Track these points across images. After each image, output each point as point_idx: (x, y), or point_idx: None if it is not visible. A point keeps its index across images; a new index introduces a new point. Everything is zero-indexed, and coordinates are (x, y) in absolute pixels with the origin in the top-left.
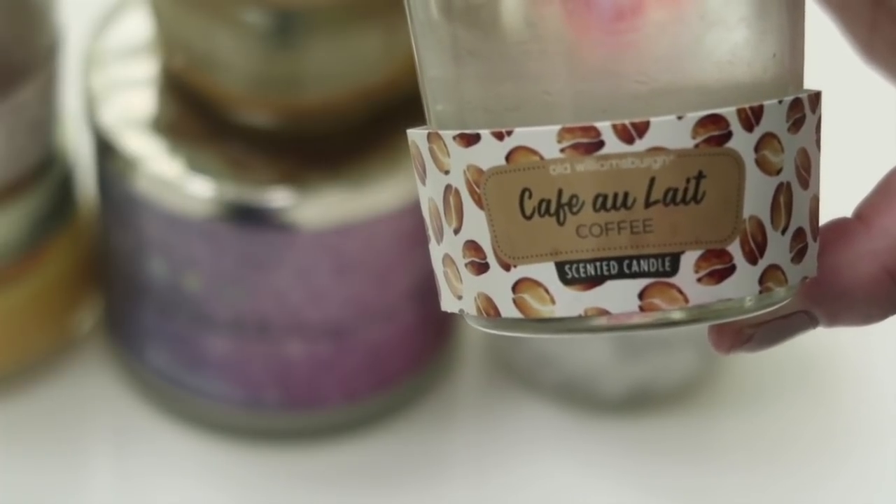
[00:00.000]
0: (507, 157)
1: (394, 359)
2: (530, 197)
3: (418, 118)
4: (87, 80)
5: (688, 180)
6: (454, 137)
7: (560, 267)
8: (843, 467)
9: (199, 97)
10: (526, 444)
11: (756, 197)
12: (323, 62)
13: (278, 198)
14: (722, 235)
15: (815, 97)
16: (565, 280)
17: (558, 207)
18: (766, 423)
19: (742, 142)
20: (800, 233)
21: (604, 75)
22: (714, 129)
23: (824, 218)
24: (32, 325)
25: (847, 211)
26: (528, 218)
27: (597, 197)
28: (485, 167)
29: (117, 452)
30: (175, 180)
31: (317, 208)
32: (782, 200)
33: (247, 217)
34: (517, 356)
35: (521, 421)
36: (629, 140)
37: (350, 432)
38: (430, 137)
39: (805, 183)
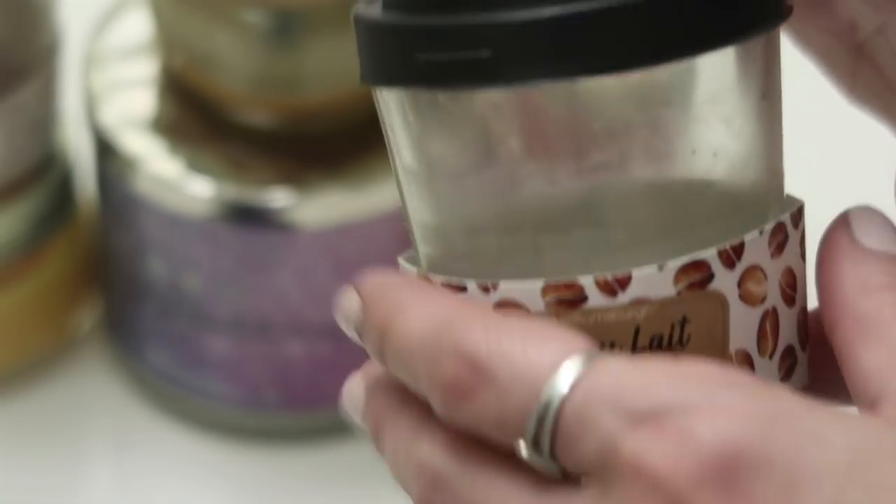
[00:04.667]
0: (495, 308)
1: None
2: None
3: None
4: (87, 80)
5: (672, 326)
6: (442, 284)
7: None
8: None
9: (199, 97)
10: None
11: (741, 330)
12: (323, 62)
13: (278, 198)
14: None
15: (798, 212)
16: None
17: None
18: None
19: (724, 280)
20: (788, 351)
21: (584, 228)
22: (696, 274)
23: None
24: (32, 325)
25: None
26: None
27: None
28: None
29: (117, 452)
30: (175, 180)
31: (317, 208)
32: (768, 327)
33: (247, 217)
34: None
35: None
36: (612, 293)
37: (350, 432)
38: (420, 277)
39: (791, 300)
